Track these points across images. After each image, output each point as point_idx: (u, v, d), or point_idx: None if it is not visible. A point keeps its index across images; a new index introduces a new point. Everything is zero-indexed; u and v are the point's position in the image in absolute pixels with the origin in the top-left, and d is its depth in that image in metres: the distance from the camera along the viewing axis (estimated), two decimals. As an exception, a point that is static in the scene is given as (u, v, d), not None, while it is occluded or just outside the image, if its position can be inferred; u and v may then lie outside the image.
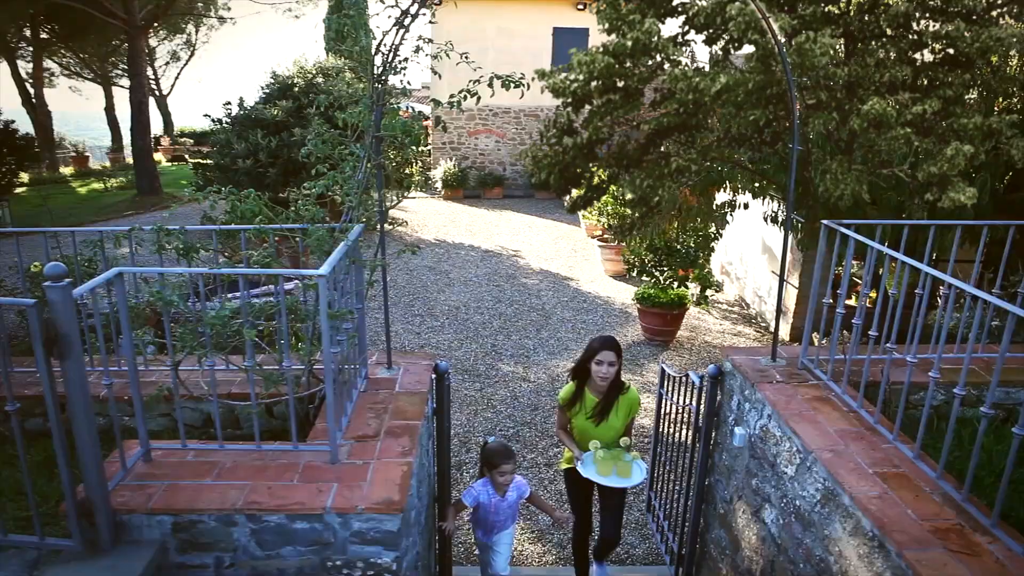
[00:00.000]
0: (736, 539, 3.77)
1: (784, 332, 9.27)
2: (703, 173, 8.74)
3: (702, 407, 4.03)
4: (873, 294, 7.60)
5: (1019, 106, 6.28)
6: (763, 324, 10.00)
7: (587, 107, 7.50)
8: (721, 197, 8.52)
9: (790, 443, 3.20)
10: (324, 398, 3.20)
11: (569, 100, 7.06)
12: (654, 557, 5.07)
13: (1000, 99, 6.24)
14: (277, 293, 2.82)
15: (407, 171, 13.99)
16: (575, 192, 8.61)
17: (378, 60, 3.38)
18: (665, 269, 9.12)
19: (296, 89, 12.17)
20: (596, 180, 8.57)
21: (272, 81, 12.61)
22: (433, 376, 3.67)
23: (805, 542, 3.03)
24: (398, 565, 2.72)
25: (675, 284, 9.12)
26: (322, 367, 2.99)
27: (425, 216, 15.25)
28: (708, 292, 9.24)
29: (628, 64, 6.76)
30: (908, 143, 6.01)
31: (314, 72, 12.51)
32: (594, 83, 6.93)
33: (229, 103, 12.59)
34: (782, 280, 4.14)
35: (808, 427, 3.13)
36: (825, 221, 3.58)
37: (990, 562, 2.32)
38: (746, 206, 8.33)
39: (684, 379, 4.38)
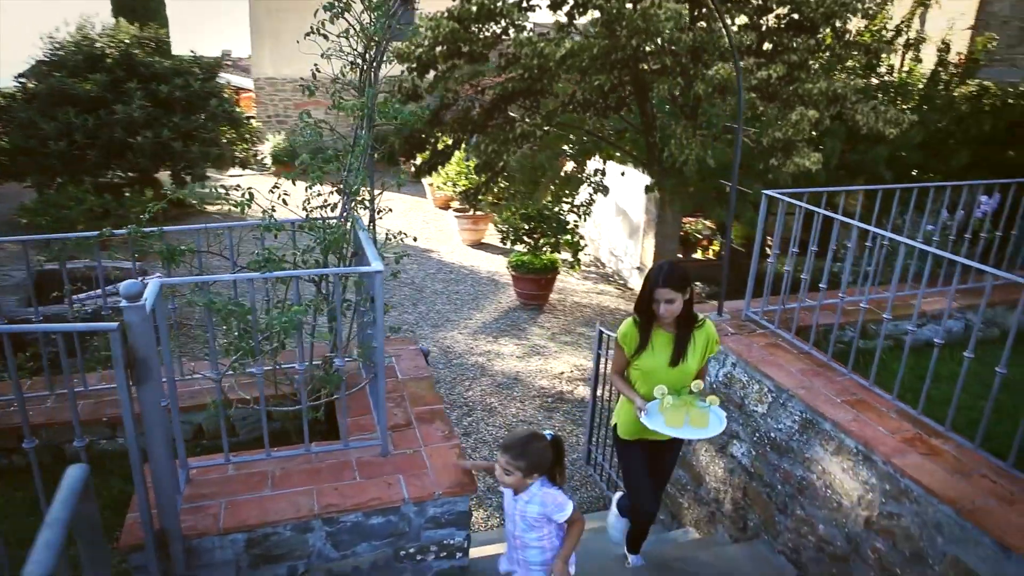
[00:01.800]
0: (699, 475, 4.30)
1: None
2: (551, 138, 9.22)
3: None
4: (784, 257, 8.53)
5: (863, 71, 7.04)
6: (621, 282, 10.85)
7: (432, 72, 7.62)
8: (592, 165, 9.07)
9: (759, 385, 3.74)
10: (335, 396, 3.20)
11: (414, 65, 7.12)
12: (590, 505, 5.55)
13: (845, 64, 6.93)
14: (326, 289, 2.77)
15: (242, 146, 13.14)
16: (420, 157, 8.80)
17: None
18: (538, 236, 9.58)
19: (110, 60, 10.87)
20: (441, 145, 8.78)
21: (57, 48, 11.03)
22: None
23: (783, 466, 3.60)
24: (468, 542, 2.86)
25: (547, 250, 9.62)
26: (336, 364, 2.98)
27: (259, 196, 14.41)
28: (579, 256, 9.85)
29: (473, 29, 6.90)
30: (753, 108, 6.71)
31: (128, 42, 11.23)
32: (439, 48, 6.96)
33: (23, 76, 10.97)
34: (729, 245, 4.65)
35: (775, 370, 3.69)
36: (766, 191, 4.09)
37: (949, 457, 2.99)
38: (603, 172, 8.93)
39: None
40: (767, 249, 5.71)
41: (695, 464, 4.35)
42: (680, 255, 10.35)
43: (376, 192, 3.60)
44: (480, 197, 9.91)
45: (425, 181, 14.43)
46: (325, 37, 3.37)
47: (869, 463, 3.09)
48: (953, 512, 2.72)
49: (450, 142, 8.60)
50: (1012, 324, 2.97)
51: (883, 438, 3.12)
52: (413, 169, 14.58)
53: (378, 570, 2.75)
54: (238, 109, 12.44)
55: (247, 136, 13.01)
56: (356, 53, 3.32)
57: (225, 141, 12.41)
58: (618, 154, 9.16)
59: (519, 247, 9.70)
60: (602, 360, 5.21)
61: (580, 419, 6.71)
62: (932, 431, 3.16)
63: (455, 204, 12.68)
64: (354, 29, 3.22)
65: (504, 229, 9.78)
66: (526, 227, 9.73)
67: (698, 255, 10.75)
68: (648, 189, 9.13)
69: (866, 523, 3.12)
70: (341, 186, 3.45)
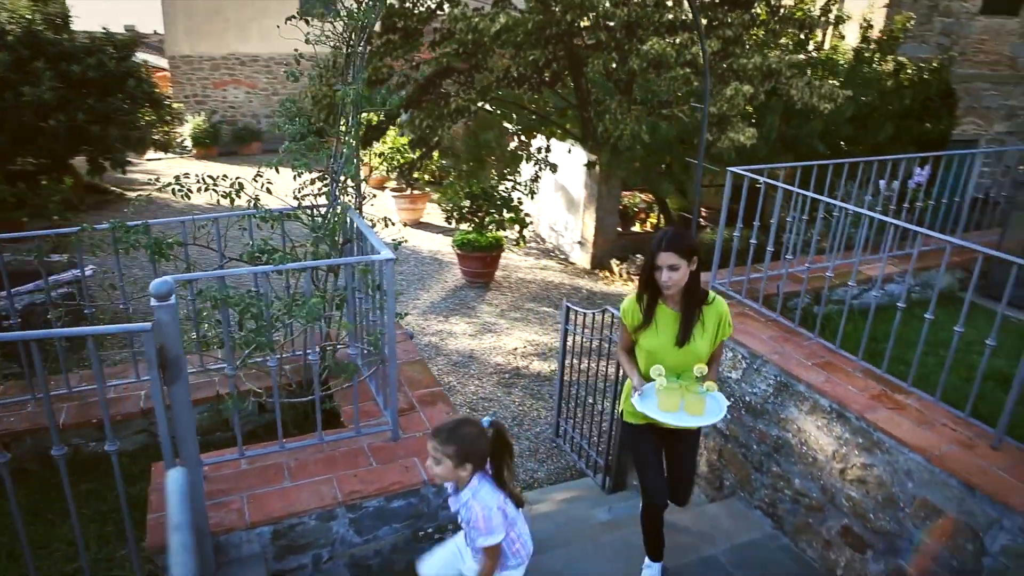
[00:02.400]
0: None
1: (585, 261, 10.38)
2: (496, 117, 9.28)
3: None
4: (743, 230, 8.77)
5: (796, 48, 7.35)
6: (562, 256, 11.04)
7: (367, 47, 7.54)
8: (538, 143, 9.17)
9: (733, 352, 3.97)
10: (346, 385, 3.22)
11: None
12: (558, 476, 5.73)
13: (779, 40, 7.21)
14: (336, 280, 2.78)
15: (163, 129, 12.55)
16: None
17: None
18: (482, 215, 9.63)
19: (11, 38, 10.13)
20: (375, 121, 8.76)
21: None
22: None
23: (758, 427, 3.85)
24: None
25: (493, 228, 9.69)
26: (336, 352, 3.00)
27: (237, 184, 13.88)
28: (525, 232, 9.95)
29: (408, 4, 6.85)
30: (687, 83, 6.90)
31: (31, 17, 10.48)
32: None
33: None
34: (696, 219, 4.83)
35: (747, 337, 3.92)
36: (731, 168, 4.29)
37: (913, 411, 3.29)
38: (549, 149, 9.06)
39: (603, 313, 4.96)
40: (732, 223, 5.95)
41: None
42: (620, 228, 10.63)
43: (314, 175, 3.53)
44: (416, 174, 9.86)
45: (356, 161, 14.19)
46: (307, 22, 3.30)
47: (843, 419, 3.36)
48: (922, 459, 3.01)
49: (383, 117, 8.57)
50: (937, 284, 3.29)
51: (854, 396, 3.39)
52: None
53: (398, 552, 2.82)
54: (157, 89, 11.84)
55: (168, 118, 12.42)
56: (341, 38, 3.27)
57: (144, 123, 11.82)
58: (559, 131, 9.29)
59: (464, 225, 9.73)
60: (569, 336, 5.37)
61: (539, 393, 6.86)
62: (896, 387, 3.46)
63: (391, 184, 12.55)
64: (339, 15, 3.17)
65: (448, 208, 9.77)
66: (470, 205, 9.76)
67: (636, 228, 11.07)
68: (590, 165, 9.33)
69: (840, 474, 3.40)
70: (326, 173, 3.41)
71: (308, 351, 2.82)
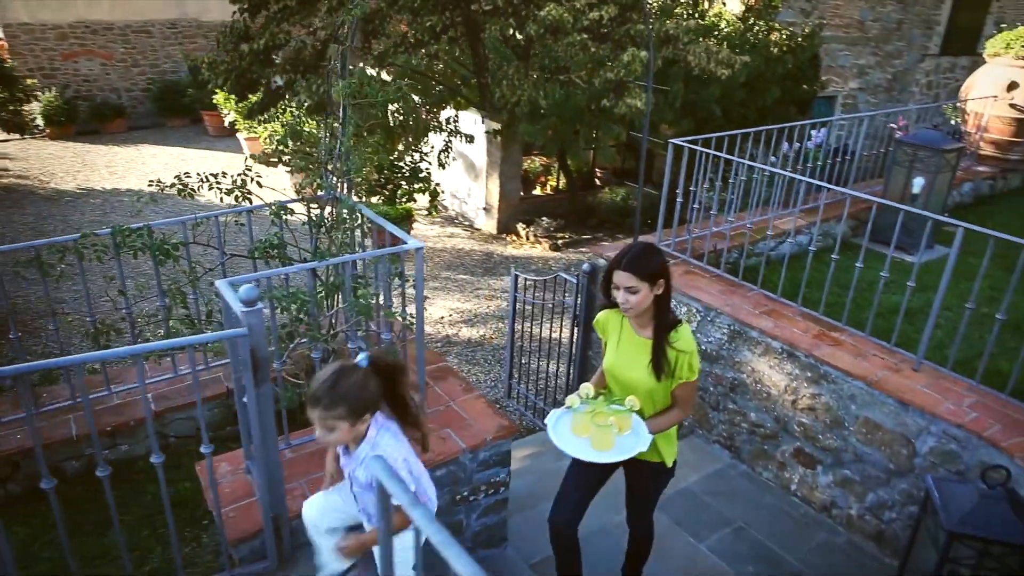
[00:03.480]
0: (629, 390, 5.01)
1: (491, 227, 10.70)
2: (407, 89, 9.30)
3: (579, 299, 5.06)
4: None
5: (696, 13, 7.86)
6: (467, 223, 11.28)
7: (263, 13, 7.45)
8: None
9: (687, 307, 4.47)
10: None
11: (245, 6, 7.00)
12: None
13: (675, 9, 7.70)
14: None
15: (13, 108, 11.47)
16: (253, 97, 8.71)
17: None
18: (392, 187, 9.66)
19: None
20: (274, 86, 8.66)
21: None
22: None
23: (714, 371, 4.39)
24: (508, 476, 3.28)
25: (404, 199, 9.76)
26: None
27: (43, 162, 12.68)
28: (436, 202, 10.08)
29: None
30: (585, 49, 7.25)
31: None
32: (272, -12, 6.89)
33: None
34: (641, 188, 5.24)
35: (698, 292, 4.42)
36: (673, 140, 4.72)
37: (849, 346, 3.92)
38: (457, 119, 9.22)
39: (555, 279, 5.32)
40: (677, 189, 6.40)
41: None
42: (522, 193, 10.99)
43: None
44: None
45: (241, 136, 13.60)
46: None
47: (792, 358, 3.94)
48: (863, 384, 3.63)
49: (281, 82, 8.43)
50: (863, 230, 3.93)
51: (799, 337, 3.98)
52: (227, 122, 13.62)
53: (440, 515, 3.08)
54: (7, 63, 10.75)
55: (20, 95, 11.33)
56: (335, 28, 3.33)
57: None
58: (460, 100, 9.45)
59: (374, 199, 9.72)
60: (517, 302, 5.70)
61: (474, 358, 7.16)
62: (831, 327, 4.08)
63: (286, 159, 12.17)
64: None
65: (358, 181, 9.71)
66: (378, 178, 9.75)
67: (537, 191, 11.49)
68: (493, 134, 9.58)
69: (792, 405, 4.00)
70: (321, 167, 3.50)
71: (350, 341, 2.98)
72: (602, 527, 3.55)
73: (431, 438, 2.48)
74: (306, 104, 9.56)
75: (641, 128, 7.56)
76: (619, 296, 2.46)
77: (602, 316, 2.70)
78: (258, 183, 3.52)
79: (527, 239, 10.34)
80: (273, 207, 3.39)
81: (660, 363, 2.50)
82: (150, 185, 3.64)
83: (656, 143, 8.12)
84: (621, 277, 2.43)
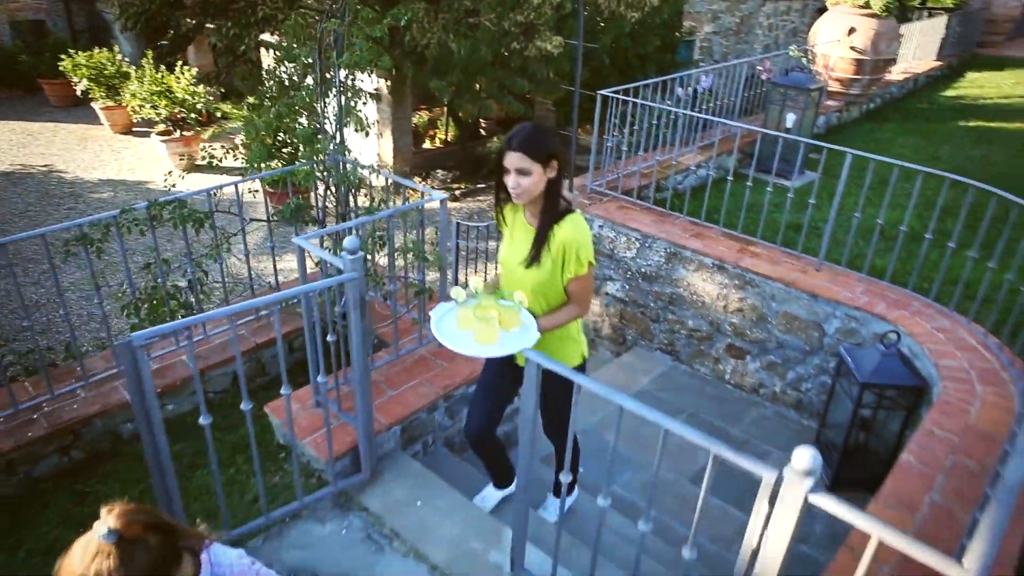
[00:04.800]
0: (576, 316, 5.74)
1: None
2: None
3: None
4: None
5: None
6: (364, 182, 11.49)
7: None
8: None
9: (626, 236, 5.22)
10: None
11: None
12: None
13: None
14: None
15: None
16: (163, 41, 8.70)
17: None
18: (291, 151, 9.68)
19: None
20: (184, 29, 8.61)
21: None
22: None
23: (654, 289, 5.19)
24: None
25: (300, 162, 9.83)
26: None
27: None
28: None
29: None
30: None
31: None
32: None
33: None
34: (575, 136, 5.85)
35: (634, 223, 5.18)
36: (600, 92, 5.38)
37: (765, 256, 4.83)
38: (353, 77, 9.38)
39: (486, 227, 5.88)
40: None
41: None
42: (413, 148, 11.33)
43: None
44: (220, 86, 9.47)
45: (97, 106, 12.78)
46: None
47: (722, 270, 4.81)
48: (781, 285, 4.56)
49: (192, 24, 8.34)
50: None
51: (725, 253, 4.84)
52: (80, 91, 12.77)
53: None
54: None
55: None
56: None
57: None
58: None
59: (274, 163, 9.70)
60: (462, 248, 6.23)
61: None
62: (749, 242, 4.98)
63: (160, 127, 11.69)
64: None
65: (254, 148, 9.64)
66: (272, 141, 9.72)
67: (427, 144, 11.86)
68: (392, 89, 9.83)
69: (723, 309, 4.88)
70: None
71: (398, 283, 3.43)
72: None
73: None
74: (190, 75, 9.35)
75: (543, 81, 8.18)
76: (510, 181, 2.36)
77: (498, 210, 2.61)
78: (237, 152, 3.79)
79: (373, 199, 10.74)
80: (291, 172, 3.71)
81: (539, 250, 2.42)
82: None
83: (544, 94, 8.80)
84: (512, 159, 2.32)
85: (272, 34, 9.52)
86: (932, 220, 4.15)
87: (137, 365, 2.16)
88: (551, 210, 2.42)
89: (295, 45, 3.85)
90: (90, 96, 12.46)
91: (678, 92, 6.61)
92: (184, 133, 11.46)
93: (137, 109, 11.59)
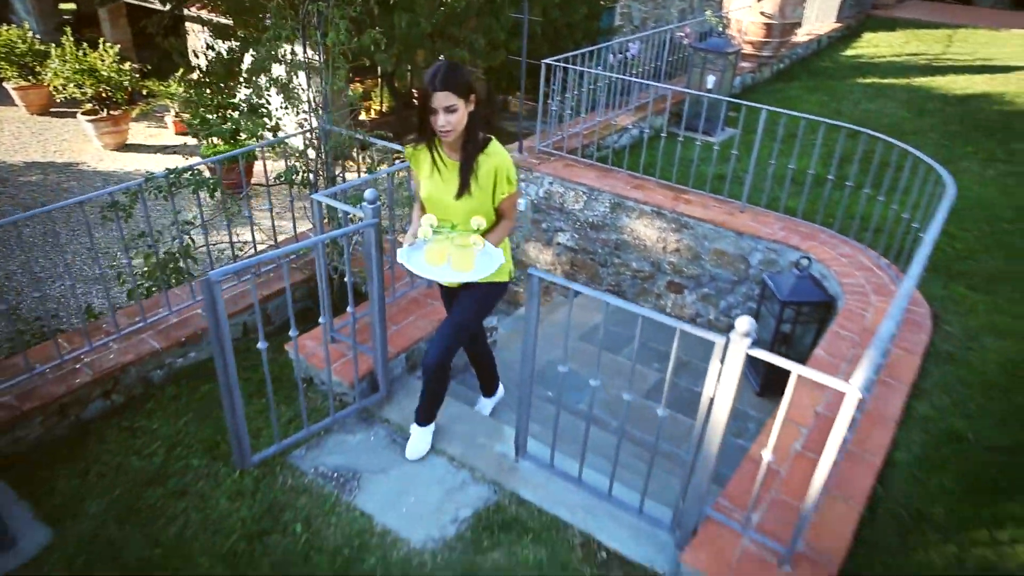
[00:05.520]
0: (530, 264, 6.42)
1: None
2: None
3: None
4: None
5: None
6: (298, 154, 11.80)
7: None
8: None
9: (574, 191, 5.90)
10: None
11: None
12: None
13: None
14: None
15: None
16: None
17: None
18: (231, 123, 9.91)
19: None
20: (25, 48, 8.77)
21: None
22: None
23: (600, 237, 5.91)
24: (497, 324, 4.55)
25: (243, 136, 10.08)
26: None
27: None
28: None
29: None
30: None
31: None
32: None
33: None
34: (522, 100, 6.44)
35: (581, 178, 5.87)
36: (545, 61, 5.99)
37: (697, 202, 5.61)
38: (295, 51, 9.68)
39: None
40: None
41: (524, 259, 6.45)
42: (350, 119, 11.67)
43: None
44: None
45: (9, 86, 12.49)
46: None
47: (660, 216, 5.56)
48: (712, 226, 5.35)
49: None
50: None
51: (662, 200, 5.60)
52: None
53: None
54: None
55: None
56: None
57: None
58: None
59: (216, 139, 9.91)
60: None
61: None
62: (682, 191, 5.75)
63: (87, 106, 11.61)
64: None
65: (196, 124, 9.82)
66: (215, 117, 9.93)
67: (363, 116, 12.21)
68: (327, 62, 10.14)
69: (663, 250, 5.65)
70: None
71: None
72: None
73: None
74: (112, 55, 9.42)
75: (479, 51, 8.72)
76: (439, 120, 2.52)
77: (411, 152, 2.82)
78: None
79: (363, 163, 11.15)
80: (283, 141, 4.20)
81: (467, 180, 2.67)
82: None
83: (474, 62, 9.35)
84: (440, 98, 2.47)
85: (207, 10, 9.70)
86: (833, 165, 5.00)
87: (214, 297, 2.70)
88: (474, 141, 2.66)
89: (281, 24, 4.28)
90: (1, 76, 12.21)
91: (610, 59, 7.31)
92: (112, 112, 11.44)
93: (60, 88, 11.49)
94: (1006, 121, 7.82)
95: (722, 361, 2.48)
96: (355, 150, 4.60)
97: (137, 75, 11.72)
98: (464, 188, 2.70)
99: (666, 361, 5.27)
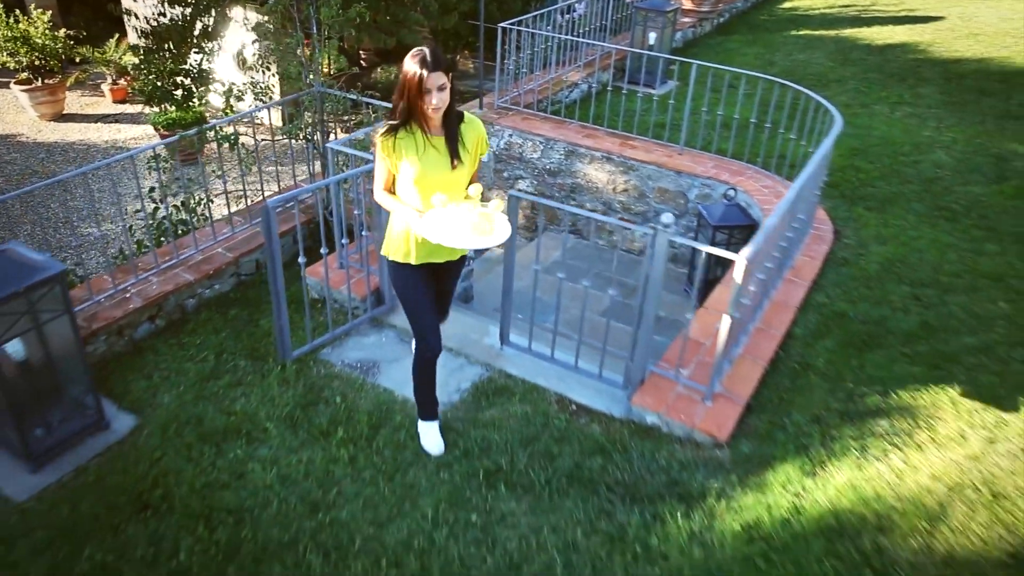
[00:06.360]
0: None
1: (277, 119, 12.28)
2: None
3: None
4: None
5: None
6: (256, 120, 12.68)
7: None
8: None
9: (531, 142, 7.10)
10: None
11: None
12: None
13: None
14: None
15: None
16: None
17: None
18: (183, 92, 10.76)
19: None
20: None
21: None
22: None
23: (557, 182, 7.14)
24: (474, 256, 5.75)
25: (195, 102, 10.94)
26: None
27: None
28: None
29: None
30: None
31: None
32: None
33: None
34: (482, 61, 7.57)
35: (537, 129, 7.07)
36: (500, 24, 7.13)
37: (640, 147, 6.87)
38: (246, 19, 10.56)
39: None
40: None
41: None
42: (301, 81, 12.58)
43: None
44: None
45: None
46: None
47: (610, 161, 6.81)
48: (655, 167, 6.62)
49: None
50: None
51: (611, 147, 6.84)
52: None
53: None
54: None
55: None
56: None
57: None
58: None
59: (169, 107, 10.73)
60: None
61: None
62: (628, 138, 7.00)
63: (22, 75, 12.22)
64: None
65: (145, 91, 10.63)
66: (163, 84, 10.75)
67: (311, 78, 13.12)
68: (277, 23, 11.05)
69: (612, 191, 6.91)
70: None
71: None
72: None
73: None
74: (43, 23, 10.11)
75: (434, 14, 9.79)
76: (433, 99, 2.88)
77: (391, 141, 3.06)
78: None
79: (354, 120, 12.11)
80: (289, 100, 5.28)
81: (457, 148, 3.07)
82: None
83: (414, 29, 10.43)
84: (435, 79, 2.84)
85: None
86: (753, 111, 6.31)
87: (270, 220, 3.82)
88: (456, 113, 3.09)
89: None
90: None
91: (558, 19, 8.50)
92: (47, 81, 12.09)
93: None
94: (917, 68, 9.29)
95: (652, 247, 3.73)
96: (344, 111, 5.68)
97: (71, 42, 12.31)
98: (455, 158, 3.08)
99: (619, 287, 6.57)
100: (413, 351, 3.61)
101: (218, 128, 5.26)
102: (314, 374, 4.31)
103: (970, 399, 3.88)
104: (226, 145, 5.26)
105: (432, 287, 3.43)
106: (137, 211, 5.32)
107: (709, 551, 3.17)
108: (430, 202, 3.01)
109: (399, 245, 3.29)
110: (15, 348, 3.57)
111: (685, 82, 7.45)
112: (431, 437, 3.75)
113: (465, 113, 3.18)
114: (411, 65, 2.88)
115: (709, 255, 3.85)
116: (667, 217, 3.59)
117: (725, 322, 3.68)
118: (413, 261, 3.29)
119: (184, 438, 3.84)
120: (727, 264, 6.15)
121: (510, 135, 7.22)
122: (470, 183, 3.19)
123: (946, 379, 4.04)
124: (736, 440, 3.79)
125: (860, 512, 3.26)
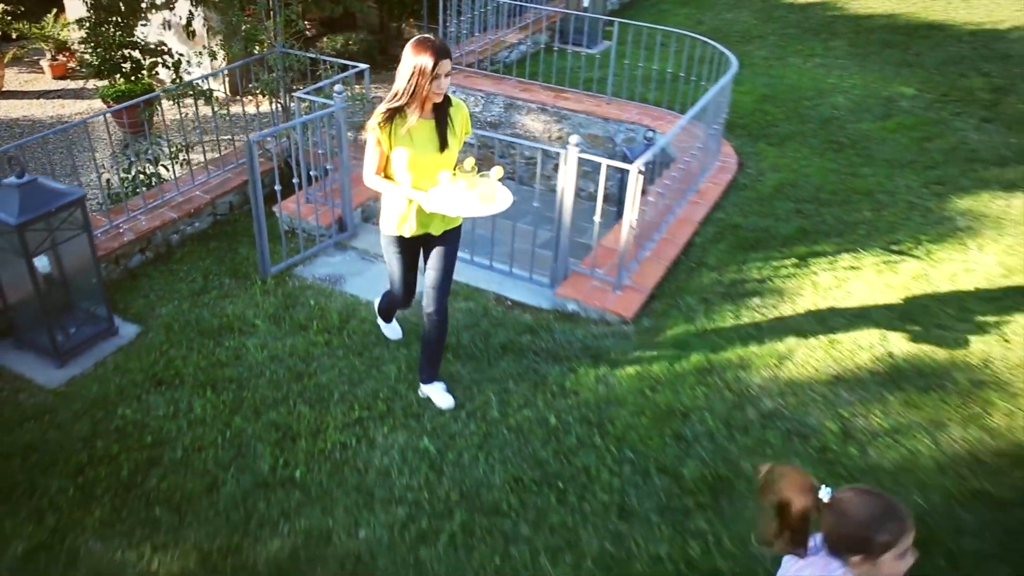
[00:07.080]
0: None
1: (224, 89, 13.24)
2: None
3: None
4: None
5: None
6: (191, 92, 13.60)
7: None
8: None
9: (474, 97, 8.29)
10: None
11: None
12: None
13: None
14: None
15: None
16: None
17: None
18: (132, 65, 11.69)
19: None
20: None
21: None
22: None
23: (496, 138, 8.34)
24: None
25: (144, 74, 11.88)
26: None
27: None
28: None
29: None
30: None
31: None
32: None
33: None
34: (441, 23, 8.70)
35: (479, 85, 8.24)
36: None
37: (573, 99, 8.09)
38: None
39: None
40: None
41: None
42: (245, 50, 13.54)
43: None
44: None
45: None
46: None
47: (545, 111, 8.02)
48: (585, 115, 7.85)
49: None
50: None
51: (546, 99, 8.05)
52: None
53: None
54: None
55: None
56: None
57: None
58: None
59: (118, 79, 11.64)
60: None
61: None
62: (561, 91, 8.22)
63: (-33, 52, 12.98)
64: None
65: (94, 63, 11.53)
66: (110, 56, 11.66)
67: (258, 50, 14.09)
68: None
69: (548, 139, 8.13)
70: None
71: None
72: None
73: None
74: None
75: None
76: (441, 84, 3.30)
77: (388, 128, 3.46)
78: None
79: (261, 96, 13.09)
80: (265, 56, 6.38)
81: (446, 132, 3.52)
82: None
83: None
84: (445, 65, 3.25)
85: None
86: (681, 65, 7.57)
87: (253, 154, 4.96)
88: (445, 97, 3.48)
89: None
90: None
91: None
92: (-14, 61, 12.85)
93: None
94: (832, 24, 10.68)
95: (565, 163, 4.95)
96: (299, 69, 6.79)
97: (8, 18, 13.02)
98: (445, 141, 3.52)
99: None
100: (385, 293, 4.59)
101: (196, 84, 6.32)
102: (290, 286, 5.46)
103: (826, 282, 5.19)
104: (202, 100, 6.31)
105: (416, 260, 4.09)
106: (110, 168, 6.37)
107: (610, 388, 4.41)
108: (421, 182, 3.51)
109: (395, 220, 3.77)
110: (42, 263, 4.67)
111: (620, 42, 8.68)
112: (390, 330, 4.88)
113: (451, 97, 3.58)
114: (422, 52, 3.24)
115: (610, 169, 5.06)
116: (575, 138, 4.79)
117: (626, 219, 4.93)
118: (413, 232, 3.78)
119: (186, 334, 4.95)
120: (622, 194, 7.44)
121: (452, 91, 8.33)
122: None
123: (811, 269, 5.35)
124: (639, 318, 5.04)
125: (727, 357, 4.55)
